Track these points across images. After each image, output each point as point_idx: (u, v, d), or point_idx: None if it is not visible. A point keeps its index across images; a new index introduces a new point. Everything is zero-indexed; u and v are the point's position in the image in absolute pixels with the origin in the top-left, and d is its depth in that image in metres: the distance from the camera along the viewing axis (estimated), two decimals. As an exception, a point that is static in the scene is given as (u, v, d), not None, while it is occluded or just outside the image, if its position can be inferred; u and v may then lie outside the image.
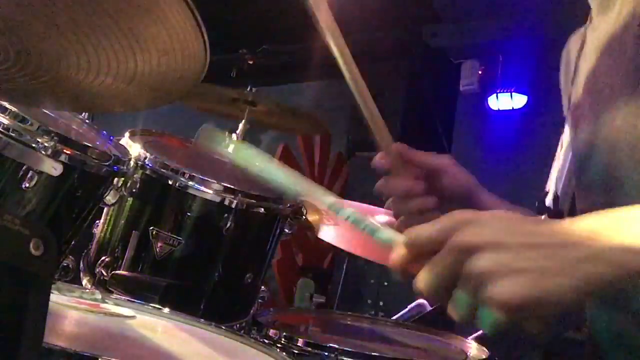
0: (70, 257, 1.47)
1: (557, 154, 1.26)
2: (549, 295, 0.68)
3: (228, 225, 1.56)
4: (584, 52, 1.13)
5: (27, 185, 1.25)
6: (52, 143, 1.25)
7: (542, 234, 0.73)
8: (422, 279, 0.75)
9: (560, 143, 1.24)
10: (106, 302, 1.21)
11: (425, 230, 0.77)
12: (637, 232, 0.69)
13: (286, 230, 1.72)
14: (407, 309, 2.38)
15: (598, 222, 0.72)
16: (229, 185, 1.58)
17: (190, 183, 1.55)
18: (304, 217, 1.74)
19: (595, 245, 0.69)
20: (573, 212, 1.08)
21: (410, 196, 1.10)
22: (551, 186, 1.17)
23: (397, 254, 0.78)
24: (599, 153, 0.99)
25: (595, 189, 1.00)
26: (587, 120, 1.03)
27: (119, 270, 1.54)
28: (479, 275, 0.70)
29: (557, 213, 1.12)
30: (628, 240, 0.69)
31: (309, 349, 1.38)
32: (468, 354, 1.55)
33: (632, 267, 0.68)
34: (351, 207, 0.83)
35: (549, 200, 1.14)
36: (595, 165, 0.99)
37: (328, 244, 2.13)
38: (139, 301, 1.28)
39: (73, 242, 1.46)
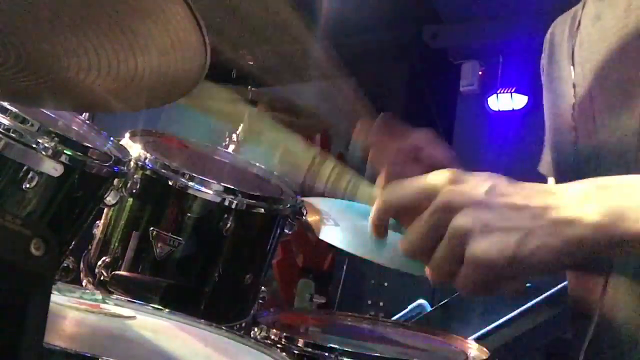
0: (71, 257, 1.47)
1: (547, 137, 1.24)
2: (529, 256, 0.69)
3: (228, 225, 1.56)
4: (582, 40, 1.11)
5: (28, 185, 1.25)
6: (52, 144, 1.25)
7: (526, 195, 0.73)
8: (406, 238, 0.75)
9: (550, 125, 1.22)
10: (106, 303, 1.21)
11: (408, 188, 0.76)
12: (620, 198, 0.70)
13: (286, 231, 1.72)
14: (407, 310, 2.38)
15: (583, 187, 0.73)
16: (229, 186, 1.58)
17: (191, 183, 1.55)
18: (304, 217, 1.74)
19: (577, 209, 0.69)
20: None
21: (407, 161, 1.09)
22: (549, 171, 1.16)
23: (377, 210, 0.78)
24: (615, 149, 0.98)
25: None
26: (602, 114, 1.02)
27: (119, 270, 1.54)
28: (461, 233, 0.71)
29: None
30: (610, 205, 0.69)
31: (309, 349, 1.38)
32: (468, 354, 1.55)
33: (612, 232, 0.68)
34: (333, 162, 0.82)
35: None
36: (607, 161, 0.99)
37: (328, 244, 2.12)
38: (139, 302, 1.28)
39: (73, 243, 1.46)
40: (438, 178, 0.75)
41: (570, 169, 1.10)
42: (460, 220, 0.71)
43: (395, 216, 0.78)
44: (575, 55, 1.11)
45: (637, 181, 0.73)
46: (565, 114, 1.12)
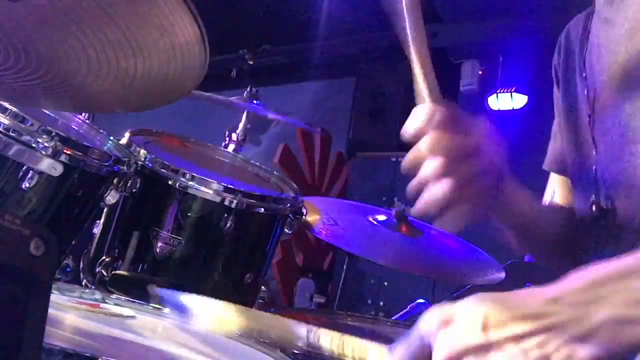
0: (71, 257, 1.47)
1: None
2: None
3: (228, 225, 1.56)
4: (592, 43, 1.10)
5: (28, 185, 1.25)
6: (52, 143, 1.25)
7: (522, 315, 0.67)
8: None
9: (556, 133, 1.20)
10: (106, 302, 1.21)
11: (406, 348, 0.72)
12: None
13: (286, 230, 1.72)
14: (407, 309, 2.37)
15: (584, 283, 0.69)
16: (229, 185, 1.58)
17: (191, 183, 1.55)
18: (304, 217, 1.74)
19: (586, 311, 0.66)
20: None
21: (462, 157, 0.98)
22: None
23: None
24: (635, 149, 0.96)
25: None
26: (617, 113, 1.01)
27: (119, 270, 1.54)
28: None
29: (603, 211, 1.07)
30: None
31: (309, 349, 1.38)
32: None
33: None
34: (328, 336, 0.79)
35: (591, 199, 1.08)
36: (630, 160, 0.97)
37: (328, 244, 2.13)
38: (139, 301, 1.28)
39: (73, 242, 1.46)
40: (429, 325, 0.70)
41: (591, 184, 1.08)
42: None
43: None
44: (586, 61, 1.10)
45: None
46: (584, 125, 1.11)
